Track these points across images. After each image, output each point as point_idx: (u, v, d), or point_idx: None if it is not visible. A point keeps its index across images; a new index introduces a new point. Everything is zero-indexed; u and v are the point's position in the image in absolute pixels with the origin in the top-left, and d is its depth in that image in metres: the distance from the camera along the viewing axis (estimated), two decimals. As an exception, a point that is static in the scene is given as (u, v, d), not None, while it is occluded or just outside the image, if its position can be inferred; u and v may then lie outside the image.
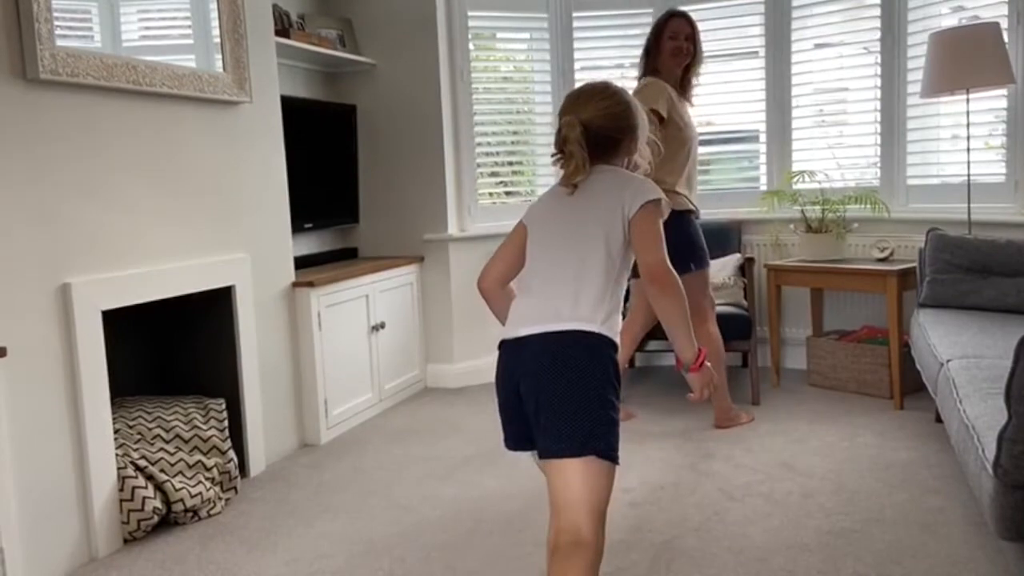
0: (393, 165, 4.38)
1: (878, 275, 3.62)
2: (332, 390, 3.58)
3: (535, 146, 4.63)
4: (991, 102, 3.67)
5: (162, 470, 2.69)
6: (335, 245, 4.36)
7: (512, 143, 4.65)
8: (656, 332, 3.57)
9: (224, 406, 3.04)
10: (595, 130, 1.72)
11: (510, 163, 4.69)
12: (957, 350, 2.62)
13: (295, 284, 3.46)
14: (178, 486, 2.68)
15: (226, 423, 2.99)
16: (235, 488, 2.92)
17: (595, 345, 1.65)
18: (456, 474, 3.09)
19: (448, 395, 4.26)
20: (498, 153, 4.61)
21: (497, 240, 4.20)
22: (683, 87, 3.47)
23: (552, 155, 1.77)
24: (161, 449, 2.75)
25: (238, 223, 3.15)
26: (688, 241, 3.34)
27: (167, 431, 2.81)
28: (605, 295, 1.68)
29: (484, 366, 4.44)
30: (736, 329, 3.69)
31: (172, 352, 3.23)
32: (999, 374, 2.23)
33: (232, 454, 2.92)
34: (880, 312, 3.98)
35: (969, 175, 3.53)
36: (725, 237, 4.24)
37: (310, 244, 4.10)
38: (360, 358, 3.81)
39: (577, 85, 1.88)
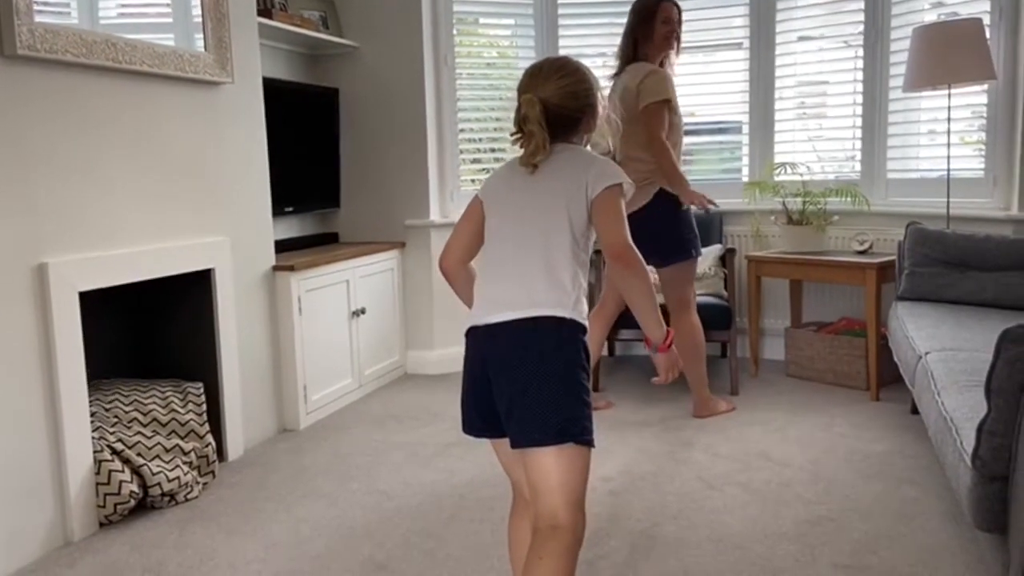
0: (375, 150, 4.35)
1: (857, 268, 3.65)
2: (312, 375, 3.56)
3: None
4: (971, 97, 3.70)
5: (139, 454, 2.66)
6: (316, 229, 4.33)
7: (495, 129, 4.63)
8: (630, 321, 3.58)
9: (202, 390, 3.01)
10: (554, 108, 1.66)
11: (492, 149, 4.68)
12: (935, 343, 2.65)
13: (275, 268, 3.42)
14: (155, 470, 2.65)
15: (204, 407, 2.96)
16: (213, 472, 2.90)
17: (568, 331, 1.62)
18: (436, 460, 3.08)
19: (428, 381, 4.25)
20: (480, 140, 4.59)
21: (479, 227, 4.24)
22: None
23: (511, 134, 1.71)
24: (138, 432, 2.72)
25: (219, 206, 3.11)
26: (691, 227, 3.39)
27: (144, 414, 2.77)
28: (573, 278, 1.65)
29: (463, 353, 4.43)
30: (716, 319, 3.71)
31: (150, 334, 3.19)
32: (977, 367, 2.26)
33: (210, 438, 2.90)
34: (859, 304, 4.02)
35: (949, 170, 3.57)
36: (706, 227, 4.24)
37: (291, 228, 4.07)
38: (340, 343, 3.79)
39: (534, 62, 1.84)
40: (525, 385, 1.59)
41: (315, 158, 4.14)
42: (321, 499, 2.75)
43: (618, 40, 3.51)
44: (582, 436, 1.58)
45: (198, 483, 2.80)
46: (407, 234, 4.35)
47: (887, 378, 3.64)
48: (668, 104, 3.28)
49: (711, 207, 3.32)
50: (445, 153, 4.38)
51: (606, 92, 1.74)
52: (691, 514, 2.54)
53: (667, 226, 3.35)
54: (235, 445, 3.17)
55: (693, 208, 3.36)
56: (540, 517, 1.60)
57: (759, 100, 4.36)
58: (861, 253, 3.84)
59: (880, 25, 4.01)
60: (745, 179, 4.45)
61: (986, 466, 1.58)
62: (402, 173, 4.32)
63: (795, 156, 4.27)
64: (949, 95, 3.52)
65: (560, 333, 1.61)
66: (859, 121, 4.15)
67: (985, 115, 3.63)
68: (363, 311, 3.92)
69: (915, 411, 3.36)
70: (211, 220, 3.07)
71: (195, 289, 3.05)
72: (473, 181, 4.53)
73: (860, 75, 4.10)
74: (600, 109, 1.75)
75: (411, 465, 3.05)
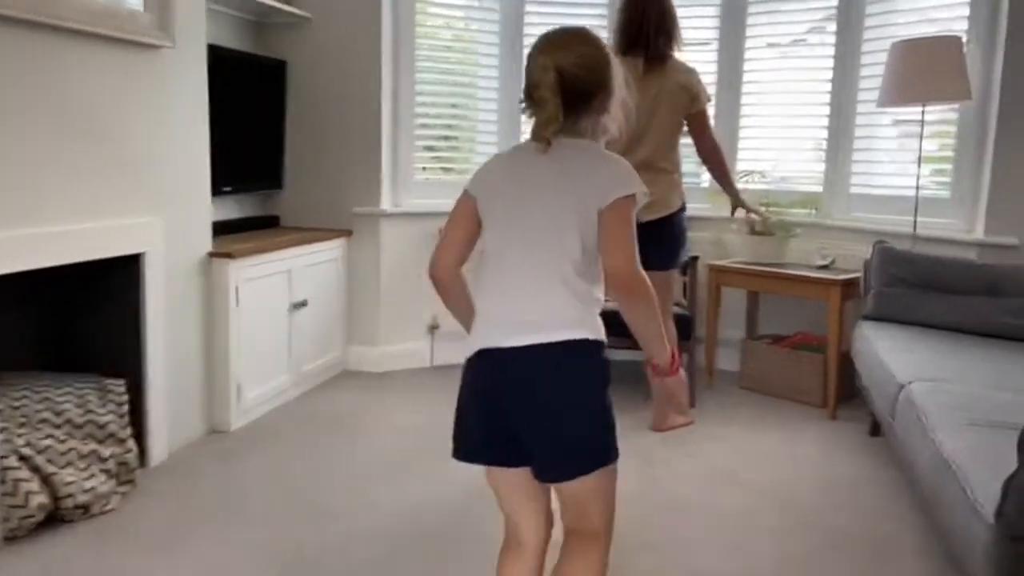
0: (324, 130, 4.06)
1: (822, 283, 3.57)
2: (246, 372, 3.28)
3: (476, 121, 4.39)
4: (938, 115, 3.65)
5: (50, 460, 2.36)
6: (255, 211, 4.02)
7: (452, 116, 4.40)
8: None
9: (124, 387, 2.71)
10: (570, 79, 1.47)
11: (446, 137, 4.44)
12: (913, 370, 2.56)
13: (212, 254, 3.13)
14: (68, 479, 2.36)
15: (126, 407, 2.67)
16: (133, 481, 2.61)
17: (596, 353, 1.50)
18: (386, 475, 2.86)
19: (371, 380, 4.00)
20: (435, 126, 4.34)
21: (434, 219, 4.02)
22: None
23: (520, 102, 1.53)
24: (49, 436, 2.41)
25: (151, 183, 2.81)
26: (686, 234, 3.34)
27: (57, 415, 2.47)
28: (591, 289, 1.51)
29: (410, 351, 4.21)
30: (677, 329, 3.57)
31: (68, 324, 2.87)
32: (968, 402, 2.17)
33: (132, 443, 2.61)
34: (815, 318, 3.94)
35: (918, 188, 3.51)
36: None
37: (228, 209, 3.75)
38: (278, 338, 3.51)
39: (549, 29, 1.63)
40: (559, 416, 1.48)
41: (258, 135, 3.83)
42: (256, 518, 2.50)
43: (588, 23, 3.33)
44: (616, 456, 1.54)
45: (116, 493, 2.52)
46: (355, 222, 4.08)
47: (842, 396, 3.57)
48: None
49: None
50: (400, 138, 4.13)
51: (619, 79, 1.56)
52: (664, 545, 2.38)
53: (682, 235, 3.31)
54: (159, 448, 2.88)
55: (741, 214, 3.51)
56: (574, 533, 1.57)
57: (725, 103, 4.24)
58: (823, 268, 3.76)
59: (852, 37, 3.93)
60: (705, 184, 4.34)
61: (1011, 525, 1.46)
62: (352, 157, 4.04)
63: (759, 164, 4.18)
64: (923, 112, 3.46)
65: (590, 357, 1.49)
66: (824, 133, 4.07)
67: (955, 134, 3.58)
68: (304, 304, 3.65)
69: (874, 433, 3.30)
70: (142, 199, 2.77)
71: (121, 276, 2.75)
72: (425, 168, 4.29)
73: (830, 86, 4.02)
74: (615, 92, 1.55)
75: (358, 480, 2.81)
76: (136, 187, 2.73)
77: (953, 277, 3.23)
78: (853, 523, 2.53)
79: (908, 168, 3.72)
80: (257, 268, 3.29)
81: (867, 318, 3.33)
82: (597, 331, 1.51)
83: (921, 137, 3.48)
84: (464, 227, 1.58)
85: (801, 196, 3.98)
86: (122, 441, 2.57)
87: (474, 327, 1.56)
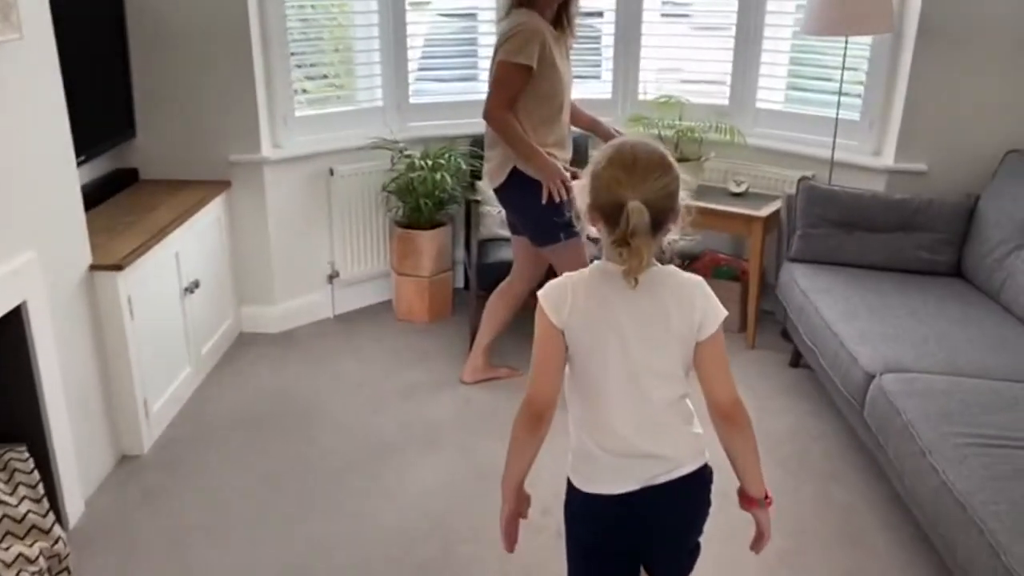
0: (181, 63, 3.41)
1: (744, 219, 3.55)
2: (151, 383, 2.88)
3: (355, 44, 3.85)
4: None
5: (-31, 582, 1.98)
6: (109, 168, 3.40)
7: (330, 37, 3.82)
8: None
9: (27, 456, 2.29)
10: (654, 213, 1.40)
11: (324, 75, 3.87)
12: (870, 349, 2.61)
13: (94, 267, 2.62)
14: (-3, 598, 2.00)
15: (40, 485, 2.26)
16: (68, 569, 2.26)
17: (709, 479, 1.56)
18: (337, 496, 2.65)
19: (272, 345, 3.67)
20: (305, 51, 3.75)
21: (323, 159, 3.58)
22: (561, 21, 2.91)
23: (612, 242, 1.41)
24: (-41, 551, 2.01)
25: (20, 211, 2.25)
26: (559, 210, 2.86)
27: (-39, 520, 2.05)
28: (692, 413, 1.54)
29: (310, 304, 3.87)
30: None
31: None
32: (956, 408, 2.24)
33: (58, 530, 2.23)
34: (721, 237, 3.96)
35: (838, 117, 3.48)
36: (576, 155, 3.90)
37: (80, 177, 3.13)
38: (174, 330, 3.09)
39: (618, 141, 1.48)
40: (678, 545, 1.58)
41: (97, 78, 3.14)
42: (210, 569, 2.27)
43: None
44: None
45: (54, 593, 2.18)
46: (233, 172, 3.55)
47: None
48: (523, 68, 2.76)
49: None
50: (274, 68, 3.54)
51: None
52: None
53: (527, 208, 2.95)
54: (74, 504, 2.51)
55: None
56: None
57: (625, 9, 3.95)
58: (738, 196, 3.73)
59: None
60: (608, 96, 4.11)
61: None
62: (219, 92, 3.44)
63: (663, 74, 3.98)
64: (846, 42, 3.37)
65: (706, 486, 1.56)
66: (733, 43, 3.90)
67: (868, 57, 3.53)
68: (197, 284, 3.20)
69: (795, 364, 3.45)
70: (13, 234, 2.22)
71: (2, 333, 2.24)
72: (305, 91, 3.75)
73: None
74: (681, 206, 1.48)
75: (306, 506, 2.60)
76: (5, 223, 2.17)
77: (873, 215, 3.29)
78: (813, 494, 2.66)
79: (810, 83, 3.70)
80: (146, 268, 2.80)
81: (794, 260, 3.37)
82: (704, 449, 1.54)
83: (843, 68, 3.41)
84: (559, 358, 1.50)
85: (707, 111, 3.85)
86: (47, 531, 2.20)
87: (583, 465, 1.54)
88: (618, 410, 1.49)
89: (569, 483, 1.58)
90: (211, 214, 3.38)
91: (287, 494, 2.66)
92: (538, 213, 2.90)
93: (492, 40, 3.91)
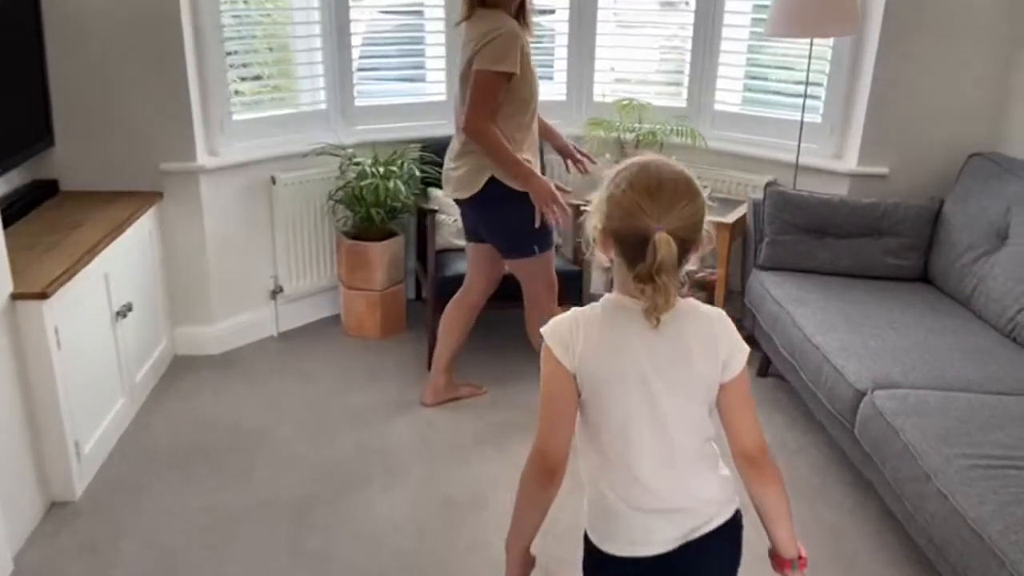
0: (103, 61, 3.11)
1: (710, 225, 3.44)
2: (81, 421, 2.59)
3: (295, 43, 3.60)
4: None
5: None
6: (25, 180, 3.07)
7: (265, 35, 3.56)
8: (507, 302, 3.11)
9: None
10: (679, 242, 1.26)
11: (255, 77, 3.59)
12: (856, 364, 2.53)
13: (16, 296, 2.33)
14: None
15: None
16: (-5, 646, 1.99)
17: (741, 524, 1.42)
18: (298, 541, 2.43)
19: (212, 368, 3.40)
20: (238, 50, 3.47)
21: (262, 168, 3.33)
22: (518, 19, 2.69)
23: (635, 278, 1.26)
24: None
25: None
26: (531, 220, 2.73)
27: None
28: (719, 457, 1.41)
29: (251, 322, 3.60)
30: (567, 289, 3.27)
31: None
32: (953, 427, 2.17)
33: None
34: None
35: (803, 121, 3.40)
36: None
37: (-5, 194, 2.82)
38: (106, 360, 2.80)
39: (639, 161, 1.32)
40: None
41: (8, 80, 2.82)
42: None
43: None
44: None
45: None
46: (165, 182, 3.26)
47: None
48: (504, 76, 2.59)
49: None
50: (209, 67, 3.26)
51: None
52: None
53: (503, 220, 2.79)
54: (1, 561, 2.21)
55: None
56: None
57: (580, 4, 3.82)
58: (700, 200, 3.62)
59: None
60: (563, 97, 3.96)
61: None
62: (148, 97, 3.16)
63: (618, 75, 3.86)
64: (811, 44, 3.30)
65: (738, 536, 1.42)
66: (690, 44, 3.80)
67: (829, 58, 3.47)
68: (129, 308, 2.91)
69: (762, 374, 3.37)
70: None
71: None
72: (238, 93, 3.47)
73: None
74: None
75: (262, 550, 2.37)
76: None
77: (842, 220, 3.23)
78: (809, 518, 2.57)
79: (769, 85, 3.63)
80: (73, 294, 2.51)
81: (762, 268, 3.28)
82: (735, 494, 1.41)
83: (808, 69, 3.34)
84: (571, 405, 1.36)
85: (666, 114, 3.75)
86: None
87: (606, 523, 1.38)
88: (644, 461, 1.34)
89: (588, 543, 1.42)
90: (142, 229, 3.09)
91: (239, 537, 2.43)
92: (516, 225, 2.74)
93: (440, 39, 3.80)
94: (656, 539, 1.35)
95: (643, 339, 1.31)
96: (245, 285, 3.54)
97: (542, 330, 1.37)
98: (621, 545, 1.36)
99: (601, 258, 1.37)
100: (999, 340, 2.73)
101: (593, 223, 1.35)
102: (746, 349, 1.36)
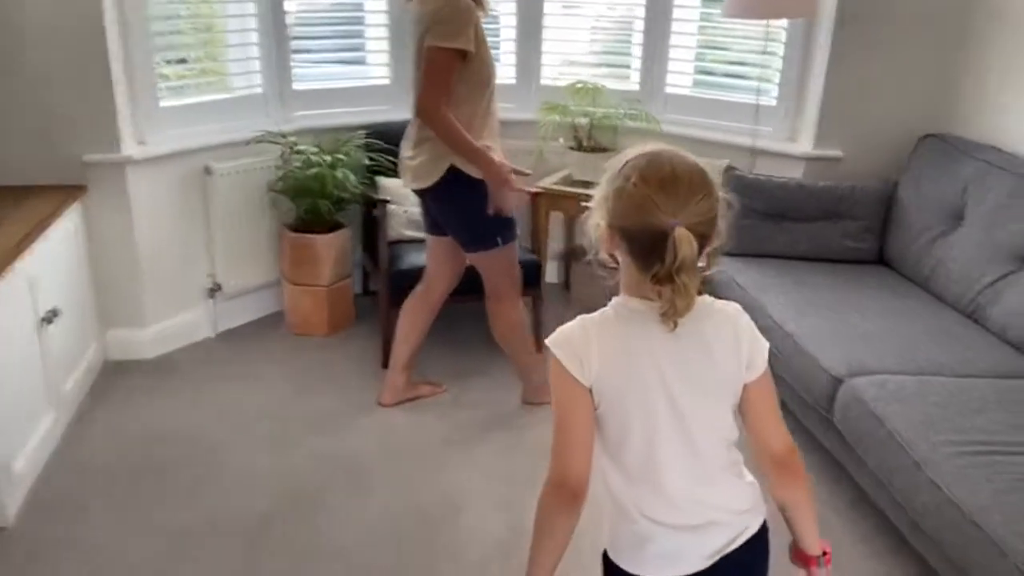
0: (15, 41, 2.82)
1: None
2: (7, 439, 2.35)
3: (226, 23, 3.36)
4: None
5: None
6: (-72, 175, 2.78)
7: (190, 14, 3.31)
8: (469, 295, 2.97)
9: None
10: (698, 239, 1.17)
11: (181, 44, 3.34)
12: (828, 350, 2.50)
13: (-70, 307, 2.08)
14: None
15: None
16: None
17: (767, 535, 1.34)
18: (258, 560, 2.25)
19: (147, 373, 3.16)
20: (162, 31, 3.21)
21: (196, 158, 3.12)
22: None
23: (652, 278, 1.15)
24: None
25: None
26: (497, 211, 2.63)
27: None
28: (742, 461, 1.33)
29: (187, 323, 3.38)
30: (526, 280, 3.16)
31: None
32: (935, 412, 2.15)
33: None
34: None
35: (758, 104, 3.36)
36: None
37: None
38: (31, 371, 2.55)
39: (646, 151, 1.22)
40: None
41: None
42: None
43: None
44: None
45: None
46: (89, 174, 3.00)
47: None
48: (458, 53, 2.45)
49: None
50: (133, 49, 3.00)
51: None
52: None
53: (464, 210, 2.66)
54: (-78, 608, 1.99)
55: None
56: None
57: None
58: (655, 185, 3.56)
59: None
60: (512, 80, 3.83)
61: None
62: (67, 81, 2.89)
63: (569, 58, 3.75)
64: (768, 25, 3.26)
65: (767, 543, 1.34)
66: (641, 25, 3.71)
67: (784, 42, 3.44)
68: (55, 313, 2.66)
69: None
70: None
71: None
72: (167, 89, 3.22)
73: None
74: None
75: (232, 578, 2.20)
76: None
77: (799, 204, 3.21)
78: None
79: (721, 67, 3.59)
80: (-4, 300, 2.27)
81: (724, 253, 3.23)
82: (762, 501, 1.34)
83: (765, 53, 3.30)
84: (589, 423, 1.26)
85: (617, 96, 3.66)
86: None
87: (634, 546, 1.28)
88: (672, 475, 1.25)
89: (612, 566, 1.32)
90: (65, 226, 2.84)
91: (191, 561, 2.24)
92: (477, 216, 2.60)
93: (382, 19, 3.62)
94: (689, 557, 1.27)
95: (662, 344, 1.22)
96: (180, 283, 3.30)
97: (548, 343, 1.26)
98: (652, 567, 1.27)
99: (605, 258, 1.27)
100: (961, 321, 2.75)
101: (596, 220, 1.25)
102: (766, 344, 1.28)
